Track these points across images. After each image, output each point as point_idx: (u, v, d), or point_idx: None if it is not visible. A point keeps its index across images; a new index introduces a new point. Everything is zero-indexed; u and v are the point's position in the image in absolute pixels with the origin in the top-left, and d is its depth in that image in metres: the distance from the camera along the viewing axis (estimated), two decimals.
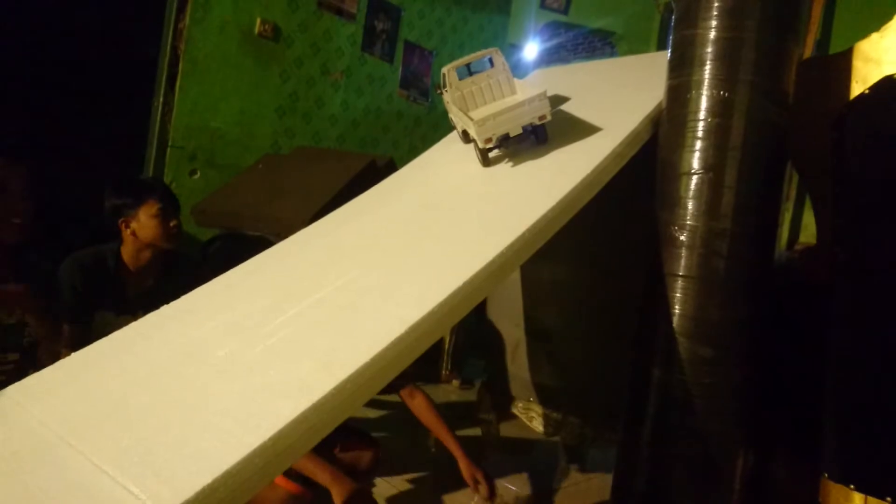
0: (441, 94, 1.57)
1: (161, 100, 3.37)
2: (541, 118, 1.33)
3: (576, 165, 1.25)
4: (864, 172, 1.12)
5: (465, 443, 1.74)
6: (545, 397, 2.17)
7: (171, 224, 1.89)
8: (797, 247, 3.68)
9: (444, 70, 1.47)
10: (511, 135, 1.34)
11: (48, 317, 1.29)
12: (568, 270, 1.97)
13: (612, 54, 5.39)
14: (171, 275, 1.92)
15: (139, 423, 0.79)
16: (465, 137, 1.54)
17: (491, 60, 1.51)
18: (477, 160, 1.44)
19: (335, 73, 4.18)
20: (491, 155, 1.42)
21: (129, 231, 1.87)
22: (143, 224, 1.86)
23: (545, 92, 1.32)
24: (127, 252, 1.89)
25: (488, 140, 1.33)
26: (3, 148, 1.38)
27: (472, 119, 1.33)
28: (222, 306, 1.10)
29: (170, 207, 1.91)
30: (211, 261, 1.90)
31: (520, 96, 1.40)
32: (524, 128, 1.34)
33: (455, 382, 3.58)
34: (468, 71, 1.50)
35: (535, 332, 2.15)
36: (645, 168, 1.34)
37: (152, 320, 1.09)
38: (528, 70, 2.05)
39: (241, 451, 0.67)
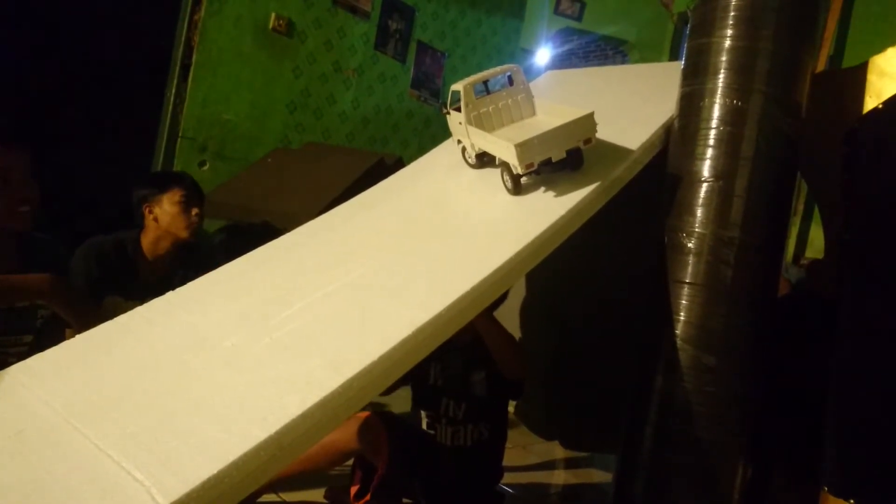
0: (447, 113, 1.41)
1: (174, 90, 3.39)
2: (586, 142, 1.21)
3: (589, 173, 1.24)
4: (875, 188, 1.12)
5: None
6: (547, 400, 2.17)
7: (193, 213, 1.93)
8: (803, 261, 3.67)
9: (459, 87, 1.31)
10: (554, 159, 1.19)
11: (77, 302, 1.29)
12: (573, 275, 1.97)
13: (624, 62, 5.38)
14: (185, 267, 1.94)
15: (144, 409, 0.79)
16: (480, 161, 1.40)
17: (510, 78, 1.39)
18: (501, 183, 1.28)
19: (348, 70, 4.19)
20: (523, 181, 1.26)
21: (151, 217, 1.92)
22: (165, 210, 1.91)
23: (593, 113, 1.20)
24: (147, 239, 1.94)
25: (529, 165, 1.16)
26: (8, 135, 1.37)
27: (508, 141, 1.16)
28: (228, 296, 1.10)
29: (193, 197, 1.96)
30: (213, 253, 1.94)
31: (559, 117, 1.25)
32: (568, 152, 1.20)
33: None
34: (485, 88, 1.37)
35: (537, 332, 2.15)
36: (652, 176, 1.34)
37: (158, 306, 1.08)
38: (539, 75, 2.04)
39: (248, 443, 0.67)
